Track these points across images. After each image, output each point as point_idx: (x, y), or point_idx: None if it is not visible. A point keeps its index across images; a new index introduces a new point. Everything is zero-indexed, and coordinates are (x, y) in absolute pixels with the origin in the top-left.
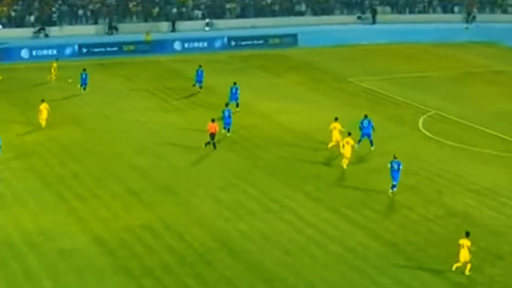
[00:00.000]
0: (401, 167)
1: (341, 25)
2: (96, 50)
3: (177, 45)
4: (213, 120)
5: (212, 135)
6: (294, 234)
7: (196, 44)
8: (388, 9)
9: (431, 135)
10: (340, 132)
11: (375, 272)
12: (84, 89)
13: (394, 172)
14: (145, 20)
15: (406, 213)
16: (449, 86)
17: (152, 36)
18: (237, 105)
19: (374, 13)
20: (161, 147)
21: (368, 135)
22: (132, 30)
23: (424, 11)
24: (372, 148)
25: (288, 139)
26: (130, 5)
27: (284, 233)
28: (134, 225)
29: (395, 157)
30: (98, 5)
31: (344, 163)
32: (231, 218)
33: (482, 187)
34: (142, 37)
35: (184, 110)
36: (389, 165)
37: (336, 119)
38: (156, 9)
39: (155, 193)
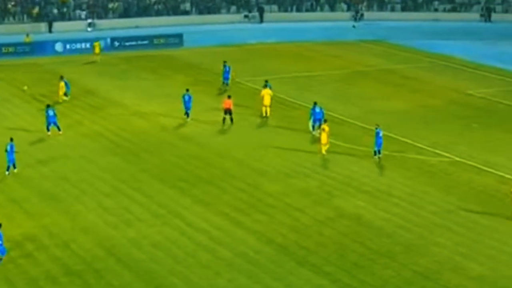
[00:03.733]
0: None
1: (228, 24)
2: None
3: (58, 47)
4: (229, 97)
5: (227, 111)
6: (183, 240)
7: (78, 45)
8: (275, 7)
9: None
10: (271, 96)
11: (267, 277)
12: None
13: (379, 139)
14: (24, 21)
15: (297, 216)
16: (338, 85)
17: (32, 38)
18: (188, 114)
19: (261, 11)
20: (43, 153)
21: (320, 121)
22: (10, 31)
23: (311, 9)
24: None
25: (175, 141)
26: (9, 5)
27: (173, 240)
28: (16, 234)
29: (377, 126)
30: None
31: (323, 149)
32: (118, 225)
33: (373, 188)
34: (22, 38)
35: (66, 115)
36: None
37: (266, 85)
38: (36, 9)
39: (38, 202)
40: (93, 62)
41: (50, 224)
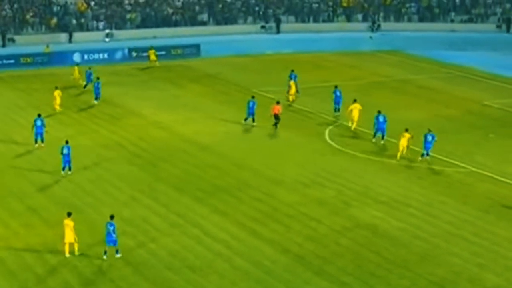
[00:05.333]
0: (435, 138)
1: (244, 34)
2: None
3: (76, 57)
4: (277, 102)
5: (276, 116)
6: (200, 249)
7: (96, 56)
8: (292, 18)
9: (338, 146)
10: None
11: (283, 287)
12: None
13: (427, 143)
14: (43, 32)
15: (313, 226)
16: (354, 96)
17: (51, 48)
18: (253, 120)
19: (278, 22)
20: (61, 162)
21: (382, 130)
22: (29, 42)
23: (328, 20)
24: (383, 142)
25: (192, 151)
26: (27, 16)
27: (190, 249)
28: (35, 243)
29: (429, 130)
30: None
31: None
32: (136, 235)
33: (390, 199)
34: (41, 49)
35: (83, 124)
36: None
37: (355, 100)
38: (54, 20)
39: (57, 211)
40: (134, 74)
41: None
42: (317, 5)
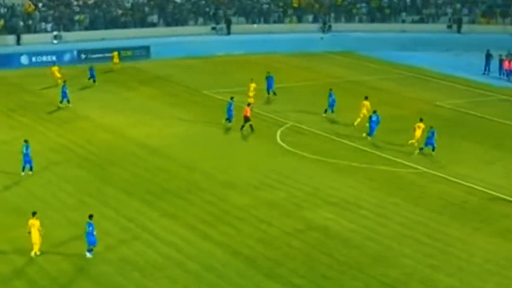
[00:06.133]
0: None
1: (195, 36)
2: None
3: (24, 59)
4: (248, 104)
5: (246, 118)
6: (150, 253)
7: (44, 58)
8: (242, 19)
9: (289, 148)
10: (367, 110)
11: None
12: None
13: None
14: None
15: (264, 228)
16: (306, 97)
17: None
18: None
19: (228, 23)
20: (8, 166)
21: (372, 129)
22: None
23: (279, 21)
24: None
25: (142, 154)
26: None
27: (140, 253)
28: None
29: (431, 127)
30: None
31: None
32: (85, 239)
33: (341, 200)
34: None
35: (31, 127)
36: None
37: (366, 98)
38: (1, 22)
39: (4, 215)
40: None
41: (17, 238)
42: (267, 6)
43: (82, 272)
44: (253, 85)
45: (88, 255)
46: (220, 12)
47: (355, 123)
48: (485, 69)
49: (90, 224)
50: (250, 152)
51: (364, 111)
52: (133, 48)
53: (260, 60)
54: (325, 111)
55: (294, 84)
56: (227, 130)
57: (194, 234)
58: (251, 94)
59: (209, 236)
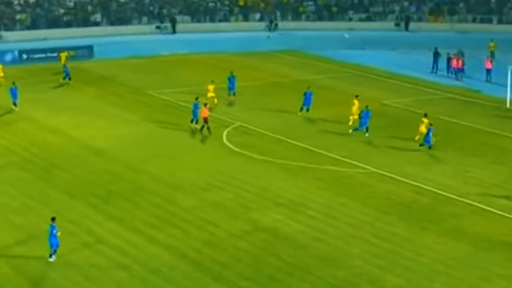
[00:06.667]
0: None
1: (139, 35)
2: None
3: None
4: (205, 105)
5: (205, 119)
6: (96, 257)
7: None
8: (188, 18)
9: (235, 148)
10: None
11: None
12: None
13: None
14: None
15: (211, 230)
16: (253, 97)
17: None
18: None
19: (173, 22)
20: None
21: (363, 124)
22: None
23: (225, 19)
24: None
25: (86, 156)
26: None
27: (85, 258)
28: None
29: (430, 124)
30: None
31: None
32: (28, 243)
33: (289, 201)
34: None
35: None
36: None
37: (356, 96)
38: None
39: None
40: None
41: None
42: (213, 4)
43: (25, 276)
44: (212, 86)
45: (50, 259)
46: (165, 11)
47: (350, 123)
48: (433, 68)
49: (53, 227)
50: (197, 153)
51: (354, 110)
52: (75, 48)
53: (206, 59)
54: (301, 110)
55: (241, 83)
56: (193, 132)
57: (140, 237)
58: (209, 95)
59: (155, 239)
